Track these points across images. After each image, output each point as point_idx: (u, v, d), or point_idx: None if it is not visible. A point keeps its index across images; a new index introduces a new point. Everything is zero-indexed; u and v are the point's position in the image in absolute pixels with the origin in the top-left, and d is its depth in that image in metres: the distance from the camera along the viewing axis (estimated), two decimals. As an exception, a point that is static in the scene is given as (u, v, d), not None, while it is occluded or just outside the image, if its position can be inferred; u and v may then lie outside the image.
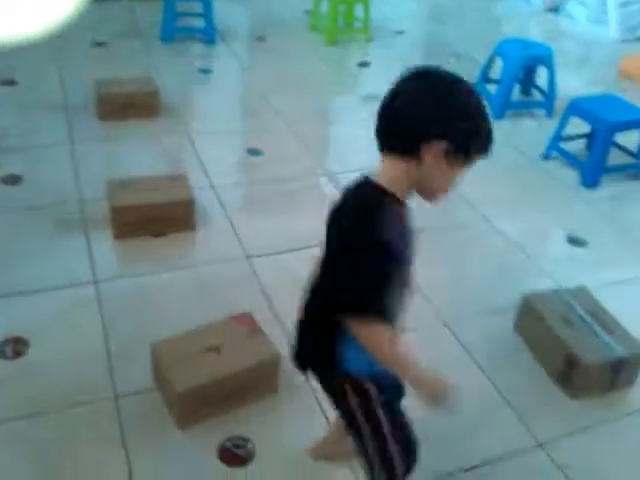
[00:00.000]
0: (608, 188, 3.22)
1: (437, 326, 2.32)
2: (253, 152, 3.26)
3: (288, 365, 2.07)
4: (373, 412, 1.36)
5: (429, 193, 1.28)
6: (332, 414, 1.92)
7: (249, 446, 1.82)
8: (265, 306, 2.32)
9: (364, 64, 4.39)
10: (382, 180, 1.26)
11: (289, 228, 2.73)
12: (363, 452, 1.41)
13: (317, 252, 2.61)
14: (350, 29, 4.79)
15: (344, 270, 1.24)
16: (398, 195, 1.25)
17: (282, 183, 3.04)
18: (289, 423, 1.93)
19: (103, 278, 2.36)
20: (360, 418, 1.37)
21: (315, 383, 1.51)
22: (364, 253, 1.20)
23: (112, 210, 2.54)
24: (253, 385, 1.95)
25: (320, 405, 1.97)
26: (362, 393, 1.35)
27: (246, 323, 2.04)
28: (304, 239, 2.67)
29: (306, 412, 1.96)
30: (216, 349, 1.93)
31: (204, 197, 2.86)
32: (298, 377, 2.04)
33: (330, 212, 1.33)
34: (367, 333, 1.23)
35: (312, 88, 3.99)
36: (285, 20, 4.96)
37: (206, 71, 4.09)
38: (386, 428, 1.36)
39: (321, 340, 1.36)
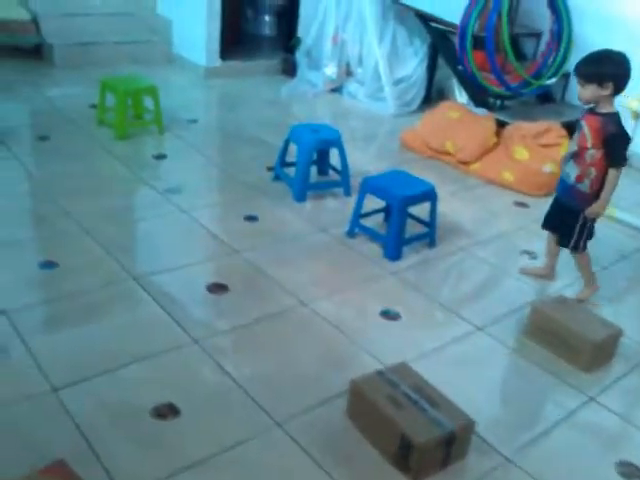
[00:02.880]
0: (409, 258, 3.41)
1: (270, 429, 2.23)
2: (46, 265, 2.98)
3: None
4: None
5: None
6: None
7: None
8: (83, 447, 2.07)
9: (160, 157, 4.29)
10: None
11: (98, 348, 2.51)
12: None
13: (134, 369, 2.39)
14: (141, 121, 4.69)
15: None
16: None
17: (83, 296, 2.80)
18: None
19: None
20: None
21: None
22: None
23: None
24: None
25: None
26: None
27: (59, 474, 1.79)
28: (115, 357, 2.47)
29: None
30: (25, 513, 1.67)
31: (-5, 325, 2.55)
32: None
33: None
34: None
35: (107, 187, 3.79)
36: (69, 116, 4.72)
37: (-17, 179, 3.72)
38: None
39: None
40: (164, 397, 2.30)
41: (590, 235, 3.10)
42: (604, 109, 2.87)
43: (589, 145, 2.90)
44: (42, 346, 2.48)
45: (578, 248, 3.11)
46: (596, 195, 2.96)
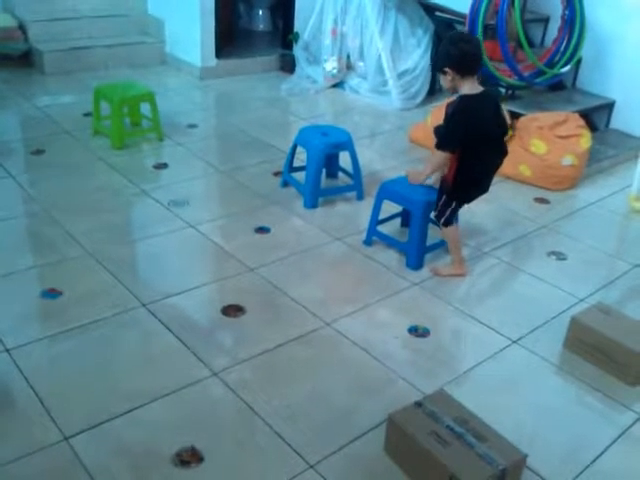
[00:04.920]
0: (431, 266, 3.22)
1: (303, 472, 2.05)
2: (50, 294, 2.78)
3: None
4: None
5: None
6: None
7: None
8: (97, 501, 1.89)
9: (161, 166, 4.08)
10: None
11: (110, 387, 2.32)
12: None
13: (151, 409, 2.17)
14: (138, 130, 4.47)
15: None
16: None
17: (91, 328, 2.60)
18: None
19: None
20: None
21: None
22: None
23: None
24: None
25: None
26: None
27: None
28: (129, 397, 2.28)
29: None
30: None
31: (-2, 367, 2.36)
32: None
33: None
34: None
35: (109, 203, 3.58)
36: (64, 127, 4.49)
37: (-25, 202, 3.49)
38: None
39: None
40: (186, 440, 2.11)
41: (453, 214, 3.06)
42: (461, 93, 2.83)
43: None
44: (49, 388, 2.29)
45: (438, 221, 3.10)
46: (452, 177, 2.93)
